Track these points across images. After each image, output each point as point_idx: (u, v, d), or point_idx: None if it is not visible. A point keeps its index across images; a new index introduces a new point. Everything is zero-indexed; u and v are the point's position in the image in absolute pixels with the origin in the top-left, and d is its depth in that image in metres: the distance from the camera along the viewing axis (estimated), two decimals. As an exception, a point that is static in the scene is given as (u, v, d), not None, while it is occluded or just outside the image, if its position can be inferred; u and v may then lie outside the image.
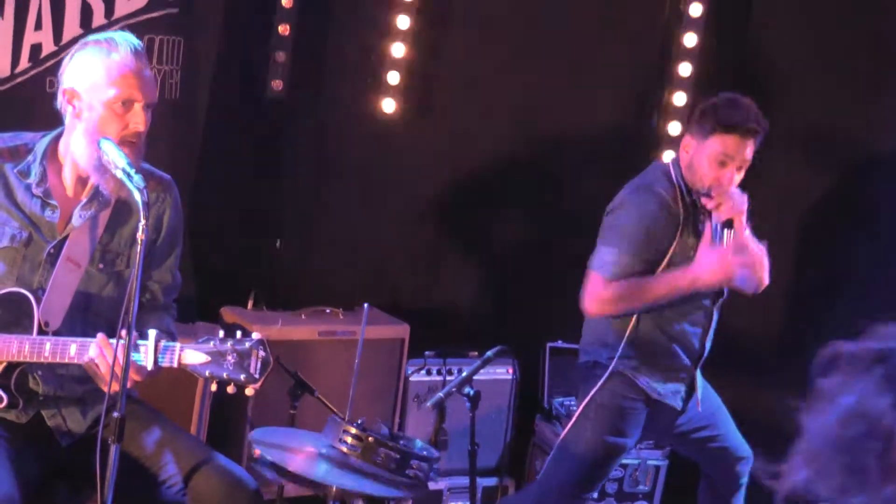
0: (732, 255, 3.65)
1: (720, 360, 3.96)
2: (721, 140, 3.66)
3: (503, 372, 4.76)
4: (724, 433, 3.98)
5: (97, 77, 2.97)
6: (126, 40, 3.02)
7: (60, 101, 3.04)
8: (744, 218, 3.71)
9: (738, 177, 3.71)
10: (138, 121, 2.99)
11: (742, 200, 3.70)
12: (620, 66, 5.02)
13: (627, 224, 3.69)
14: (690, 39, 4.85)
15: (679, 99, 4.90)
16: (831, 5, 4.88)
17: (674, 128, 4.87)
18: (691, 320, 3.85)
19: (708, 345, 3.92)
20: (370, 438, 3.15)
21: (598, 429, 3.78)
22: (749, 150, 3.66)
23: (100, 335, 2.88)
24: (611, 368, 3.78)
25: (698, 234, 3.74)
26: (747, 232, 3.74)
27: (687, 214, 3.72)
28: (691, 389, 3.89)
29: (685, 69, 4.87)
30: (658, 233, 3.70)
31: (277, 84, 4.78)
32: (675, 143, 4.86)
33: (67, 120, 3.05)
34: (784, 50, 4.99)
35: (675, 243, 3.71)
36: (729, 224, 3.66)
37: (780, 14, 4.96)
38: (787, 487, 1.55)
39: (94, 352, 2.86)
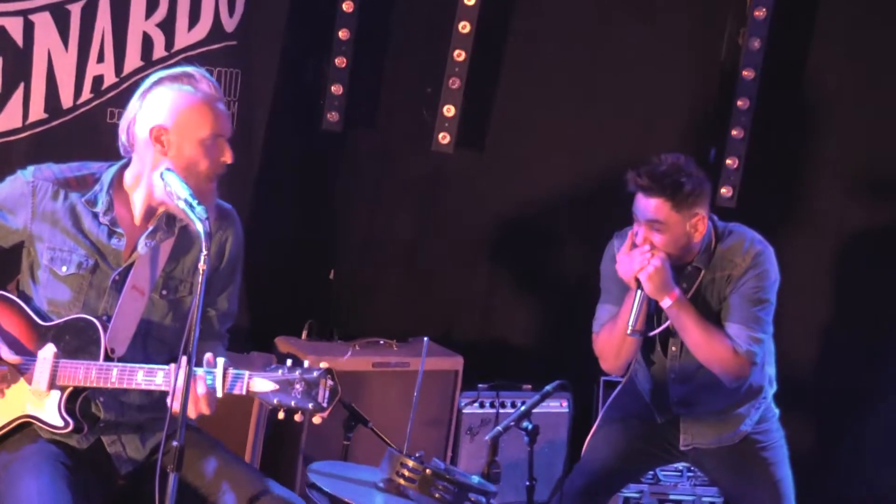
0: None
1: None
2: (635, 198, 3.66)
3: (557, 406, 4.73)
4: None
5: (187, 114, 2.99)
6: (203, 74, 3.04)
7: (142, 139, 3.01)
8: (644, 278, 3.59)
9: (655, 237, 3.62)
10: (226, 154, 3.03)
11: (638, 261, 3.60)
12: (678, 101, 5.02)
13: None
14: (749, 74, 4.84)
15: (737, 133, 4.88)
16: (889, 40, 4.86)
17: (731, 162, 4.85)
18: None
19: None
20: (428, 471, 3.14)
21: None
22: (653, 210, 3.60)
23: (171, 366, 2.88)
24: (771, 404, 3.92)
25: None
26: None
27: None
28: None
29: (743, 103, 4.86)
30: None
31: (333, 116, 4.81)
32: (731, 176, 4.84)
33: (139, 153, 3.04)
34: (840, 83, 4.97)
35: None
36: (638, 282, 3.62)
37: (837, 48, 4.94)
38: None
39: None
